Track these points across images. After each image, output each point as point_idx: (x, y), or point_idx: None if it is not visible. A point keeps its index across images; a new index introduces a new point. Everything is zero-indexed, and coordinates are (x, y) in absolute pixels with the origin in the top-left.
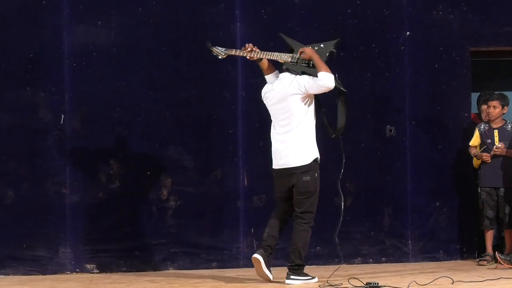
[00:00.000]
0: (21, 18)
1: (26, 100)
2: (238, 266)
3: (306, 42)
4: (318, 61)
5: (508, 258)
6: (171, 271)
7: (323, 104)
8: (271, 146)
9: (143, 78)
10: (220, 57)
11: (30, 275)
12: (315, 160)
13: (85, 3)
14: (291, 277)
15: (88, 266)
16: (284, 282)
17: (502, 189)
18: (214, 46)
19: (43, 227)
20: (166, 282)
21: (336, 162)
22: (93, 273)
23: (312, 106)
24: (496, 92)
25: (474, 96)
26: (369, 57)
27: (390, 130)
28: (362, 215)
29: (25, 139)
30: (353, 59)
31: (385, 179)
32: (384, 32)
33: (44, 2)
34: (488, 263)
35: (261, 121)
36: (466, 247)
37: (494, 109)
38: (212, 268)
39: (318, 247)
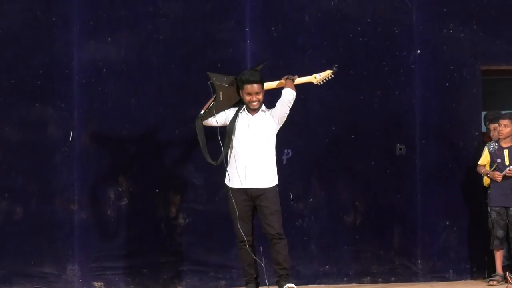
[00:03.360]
0: (31, 34)
1: (35, 117)
2: None
3: (317, 60)
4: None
5: None
6: None
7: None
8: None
9: (152, 95)
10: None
11: None
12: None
13: (95, 19)
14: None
15: (96, 283)
16: None
17: None
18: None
19: (51, 243)
20: None
21: (346, 181)
22: None
23: None
24: (507, 112)
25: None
26: (379, 75)
27: (400, 149)
28: (372, 233)
29: (33, 155)
30: (363, 77)
31: (394, 197)
32: (394, 50)
33: (54, 18)
34: (498, 283)
35: None
36: (476, 267)
37: (505, 127)
38: (221, 286)
39: (327, 266)
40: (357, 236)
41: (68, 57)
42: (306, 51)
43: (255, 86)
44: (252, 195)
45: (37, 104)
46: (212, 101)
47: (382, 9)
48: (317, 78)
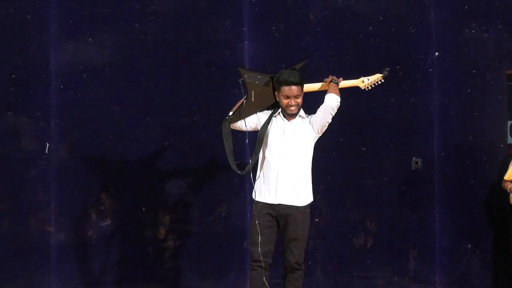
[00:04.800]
0: (3, 34)
1: (7, 126)
2: None
3: (323, 64)
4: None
5: None
6: None
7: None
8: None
9: (139, 103)
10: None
11: None
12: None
13: (75, 18)
14: None
15: None
16: None
17: None
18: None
19: (25, 269)
20: None
21: (355, 198)
22: None
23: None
24: None
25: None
26: (392, 81)
27: (416, 163)
28: (384, 257)
29: (5, 170)
30: (375, 83)
31: (410, 217)
32: (409, 53)
33: (28, 16)
34: None
35: None
36: None
37: None
38: None
39: None
40: (368, 261)
41: (45, 59)
42: (311, 53)
43: (294, 88)
44: (280, 213)
45: (10, 113)
46: (243, 102)
47: (396, 7)
48: (365, 82)
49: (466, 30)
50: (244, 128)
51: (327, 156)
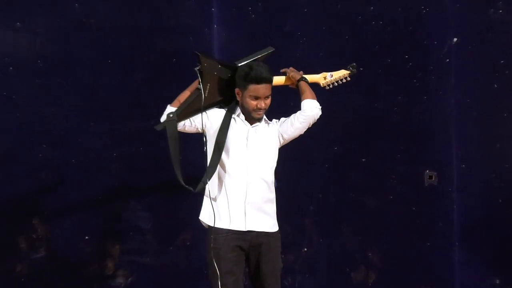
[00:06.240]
0: None
1: None
2: None
3: (313, 53)
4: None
5: None
6: None
7: None
8: None
9: (80, 103)
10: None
11: None
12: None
13: None
14: None
15: None
16: None
17: None
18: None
19: None
20: None
21: (354, 222)
22: None
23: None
24: None
25: None
26: (400, 74)
27: (430, 177)
28: None
29: None
30: (377, 77)
31: (423, 246)
32: (421, 39)
33: None
34: None
35: None
36: None
37: None
38: None
39: None
40: None
41: None
42: (297, 40)
43: (265, 88)
44: (252, 243)
45: None
46: (195, 96)
47: None
48: (327, 79)
49: (492, 10)
50: (190, 129)
51: (317, 169)
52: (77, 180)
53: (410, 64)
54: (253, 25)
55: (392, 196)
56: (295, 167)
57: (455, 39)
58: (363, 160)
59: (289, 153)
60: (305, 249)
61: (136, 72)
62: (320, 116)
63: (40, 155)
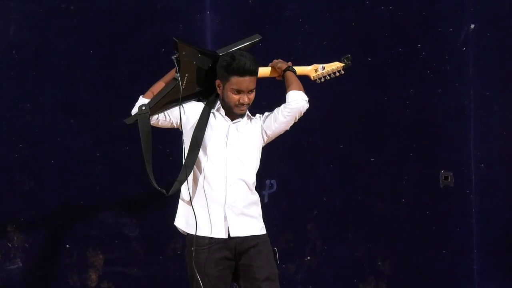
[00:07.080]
0: None
1: None
2: None
3: (314, 42)
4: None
5: None
6: None
7: None
8: None
9: (60, 97)
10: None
11: None
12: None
13: None
14: None
15: None
16: None
17: None
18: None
19: None
20: None
21: (361, 228)
22: None
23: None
24: None
25: None
26: (412, 65)
27: (446, 178)
28: None
29: None
30: (387, 68)
31: (438, 254)
32: (435, 25)
33: None
34: None
35: None
36: None
37: None
38: None
39: None
40: None
41: None
42: (298, 28)
43: (250, 80)
44: (238, 250)
45: None
46: (171, 87)
47: None
48: (318, 71)
49: None
50: (164, 124)
51: (321, 170)
52: (56, 183)
53: (423, 53)
54: (249, 10)
55: (404, 199)
56: (296, 168)
57: (472, 26)
58: (372, 159)
59: (290, 152)
60: (308, 258)
61: (119, 63)
62: (325, 109)
63: (15, 155)
